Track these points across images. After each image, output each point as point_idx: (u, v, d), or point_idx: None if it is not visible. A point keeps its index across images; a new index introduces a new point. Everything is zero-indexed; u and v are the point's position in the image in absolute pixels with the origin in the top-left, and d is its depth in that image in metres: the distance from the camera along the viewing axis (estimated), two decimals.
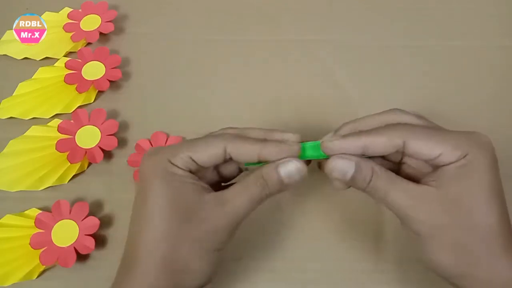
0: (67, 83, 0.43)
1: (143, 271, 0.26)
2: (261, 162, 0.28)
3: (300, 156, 0.28)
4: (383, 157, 0.30)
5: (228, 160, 0.28)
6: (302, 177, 0.27)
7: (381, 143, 0.26)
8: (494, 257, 0.25)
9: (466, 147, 0.26)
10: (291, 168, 0.27)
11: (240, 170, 0.31)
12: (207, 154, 0.27)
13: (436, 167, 0.27)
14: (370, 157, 0.28)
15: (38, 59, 0.45)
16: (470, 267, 0.26)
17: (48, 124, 0.41)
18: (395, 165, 0.30)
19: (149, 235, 0.26)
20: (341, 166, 0.27)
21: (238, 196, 0.27)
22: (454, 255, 0.26)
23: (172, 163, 0.27)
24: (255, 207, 0.27)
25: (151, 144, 0.40)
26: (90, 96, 0.43)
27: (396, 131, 0.27)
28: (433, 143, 0.26)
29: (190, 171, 0.27)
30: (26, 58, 0.45)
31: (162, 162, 0.27)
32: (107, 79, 0.43)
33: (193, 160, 0.27)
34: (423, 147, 0.26)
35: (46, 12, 0.49)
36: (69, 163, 0.38)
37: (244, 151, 0.27)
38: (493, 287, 0.25)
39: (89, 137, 0.40)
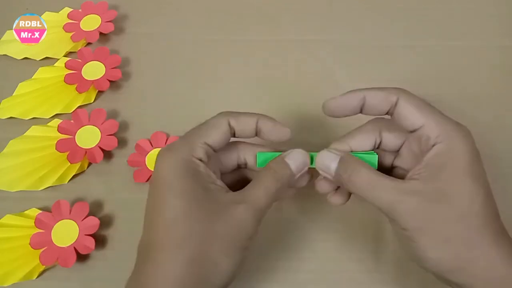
0: (67, 83, 0.43)
1: (169, 267, 0.25)
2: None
3: None
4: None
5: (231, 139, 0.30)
6: (305, 167, 0.29)
7: (378, 96, 0.28)
8: (487, 245, 0.25)
9: (448, 131, 0.27)
10: (296, 155, 0.29)
11: (239, 166, 0.31)
12: (218, 134, 0.28)
13: (421, 153, 0.27)
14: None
15: (38, 59, 0.45)
16: (464, 259, 0.25)
17: (48, 124, 0.41)
18: (387, 171, 0.30)
19: (177, 234, 0.26)
20: (326, 158, 0.29)
21: (255, 191, 0.28)
22: (445, 248, 0.25)
23: (195, 157, 0.27)
24: (273, 199, 0.28)
25: (151, 144, 0.40)
26: (90, 96, 0.43)
27: (393, 89, 0.28)
28: (419, 112, 0.27)
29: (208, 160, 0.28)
30: (26, 58, 0.45)
31: (185, 157, 0.27)
32: (107, 79, 0.43)
33: (208, 145, 0.28)
34: (410, 112, 0.27)
35: (46, 12, 0.49)
36: (69, 163, 0.38)
37: (243, 121, 0.29)
38: (491, 279, 0.25)
39: (89, 137, 0.40)
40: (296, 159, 0.29)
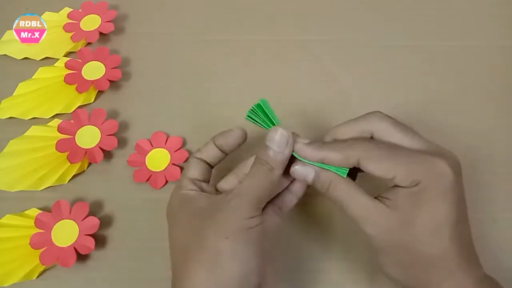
0: (67, 83, 0.43)
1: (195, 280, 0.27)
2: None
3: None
4: None
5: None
6: (289, 142, 0.29)
7: (337, 160, 0.28)
8: (441, 278, 0.26)
9: (419, 174, 0.26)
10: (271, 135, 0.29)
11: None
12: (195, 170, 0.32)
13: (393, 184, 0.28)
14: None
15: (38, 59, 0.45)
16: (417, 284, 0.27)
17: (48, 124, 0.41)
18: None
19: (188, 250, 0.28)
20: (301, 172, 0.30)
21: (245, 181, 0.29)
22: (402, 270, 0.27)
23: (185, 189, 0.31)
24: (264, 183, 0.29)
25: (151, 144, 0.40)
26: (90, 96, 0.43)
27: (352, 150, 0.28)
28: (386, 166, 0.27)
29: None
30: (26, 58, 0.45)
31: (178, 192, 0.31)
32: (107, 79, 0.43)
33: (194, 178, 0.32)
34: (375, 169, 0.27)
35: (46, 12, 0.49)
36: (69, 163, 0.38)
37: (207, 153, 0.32)
38: None
39: (89, 137, 0.40)
40: (273, 139, 0.29)
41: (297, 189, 0.32)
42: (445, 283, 0.26)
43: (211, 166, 0.33)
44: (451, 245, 0.26)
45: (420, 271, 0.27)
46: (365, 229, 0.28)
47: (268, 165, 0.29)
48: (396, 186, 0.27)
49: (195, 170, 0.32)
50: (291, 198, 0.32)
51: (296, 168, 0.30)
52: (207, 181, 0.33)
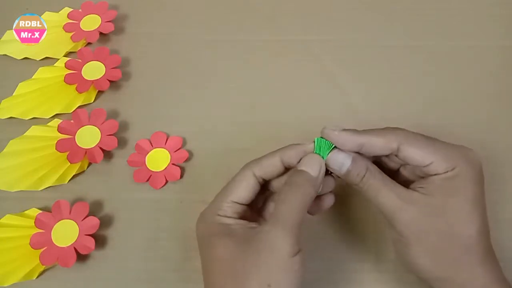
0: (67, 83, 0.43)
1: None
2: None
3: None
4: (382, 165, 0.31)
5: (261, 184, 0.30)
6: (322, 166, 0.29)
7: (378, 144, 0.28)
8: (472, 264, 0.27)
9: (455, 160, 0.27)
10: (308, 161, 0.29)
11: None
12: (244, 189, 0.29)
13: (425, 175, 0.28)
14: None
15: (38, 59, 0.45)
16: (449, 272, 0.27)
17: (48, 124, 0.41)
18: (391, 173, 0.31)
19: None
20: (340, 158, 0.29)
21: (280, 210, 0.27)
22: (434, 259, 0.27)
23: (220, 215, 0.29)
24: (300, 211, 0.27)
25: (151, 144, 0.40)
26: (90, 96, 0.43)
27: (393, 135, 0.28)
28: (425, 152, 0.28)
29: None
30: (26, 58, 0.45)
31: (210, 221, 0.29)
32: (107, 79, 0.43)
33: (235, 202, 0.29)
34: (416, 154, 0.28)
35: (46, 12, 0.49)
36: (69, 163, 0.38)
37: (267, 165, 0.30)
38: None
39: (89, 137, 0.40)
40: (308, 163, 0.29)
41: (328, 201, 0.31)
42: (477, 269, 0.27)
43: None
44: (484, 227, 0.27)
45: (454, 258, 0.27)
46: (399, 217, 0.27)
47: (304, 187, 0.28)
48: (428, 176, 0.28)
49: (245, 191, 0.29)
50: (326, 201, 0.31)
51: (333, 155, 0.29)
52: (249, 203, 0.30)
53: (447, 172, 0.27)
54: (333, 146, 0.29)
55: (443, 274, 0.27)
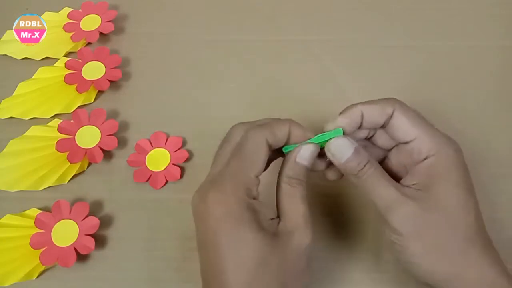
0: (67, 83, 0.43)
1: None
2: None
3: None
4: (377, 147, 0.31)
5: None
6: (314, 154, 0.29)
7: (376, 109, 0.28)
8: (478, 254, 0.26)
9: (440, 144, 0.28)
10: (304, 153, 0.28)
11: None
12: (262, 160, 0.27)
13: (411, 164, 0.28)
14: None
15: (38, 59, 0.45)
16: (458, 265, 0.26)
17: (48, 124, 0.41)
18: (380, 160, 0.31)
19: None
20: (341, 146, 0.28)
21: (295, 220, 0.27)
22: (437, 256, 0.26)
23: (249, 197, 0.26)
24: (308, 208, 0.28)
25: (151, 144, 0.40)
26: (90, 96, 0.43)
27: (388, 101, 0.29)
28: (412, 124, 0.28)
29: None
30: (26, 58, 0.45)
31: (238, 202, 0.25)
32: (107, 79, 0.43)
33: (258, 178, 0.27)
34: (404, 124, 0.28)
35: (46, 12, 0.49)
36: (69, 163, 0.38)
37: (278, 131, 0.28)
38: (481, 285, 0.26)
39: (89, 137, 0.40)
40: (305, 157, 0.28)
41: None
42: (483, 261, 0.26)
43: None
44: (479, 214, 0.27)
45: (458, 251, 0.26)
46: (397, 212, 0.27)
47: (302, 183, 0.28)
48: (413, 166, 0.28)
49: (263, 164, 0.27)
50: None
51: (334, 142, 0.28)
52: None
53: (429, 157, 0.27)
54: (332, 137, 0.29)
55: (450, 272, 0.26)
